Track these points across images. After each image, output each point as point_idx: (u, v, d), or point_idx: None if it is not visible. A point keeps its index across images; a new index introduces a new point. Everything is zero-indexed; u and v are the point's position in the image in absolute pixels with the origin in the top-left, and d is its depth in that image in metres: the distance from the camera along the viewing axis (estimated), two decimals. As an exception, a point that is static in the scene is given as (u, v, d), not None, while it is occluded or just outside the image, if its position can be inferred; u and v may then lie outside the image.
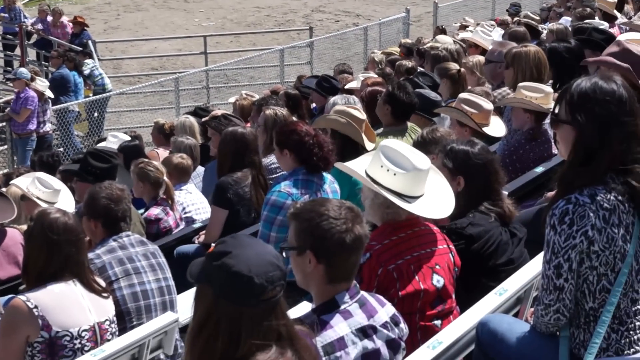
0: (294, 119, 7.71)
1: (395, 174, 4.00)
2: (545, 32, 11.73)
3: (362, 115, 6.53)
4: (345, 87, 10.62)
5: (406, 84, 7.59)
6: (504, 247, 4.50)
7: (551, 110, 6.06)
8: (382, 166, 4.02)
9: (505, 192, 5.46)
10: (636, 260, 3.38)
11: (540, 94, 6.33)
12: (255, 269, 2.69)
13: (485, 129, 6.19)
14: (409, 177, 4.00)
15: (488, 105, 6.27)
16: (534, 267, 4.19)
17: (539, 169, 6.04)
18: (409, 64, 11.43)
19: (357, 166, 4.23)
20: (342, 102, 7.80)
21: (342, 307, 3.33)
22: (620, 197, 3.31)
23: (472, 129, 6.28)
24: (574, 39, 8.58)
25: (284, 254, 3.38)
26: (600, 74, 3.45)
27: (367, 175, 4.11)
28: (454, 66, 8.92)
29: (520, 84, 6.66)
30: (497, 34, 12.96)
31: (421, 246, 4.07)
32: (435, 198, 4.14)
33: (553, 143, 6.31)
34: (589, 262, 3.32)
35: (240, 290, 2.68)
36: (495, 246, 4.46)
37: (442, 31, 17.35)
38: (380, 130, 7.40)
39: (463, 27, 16.20)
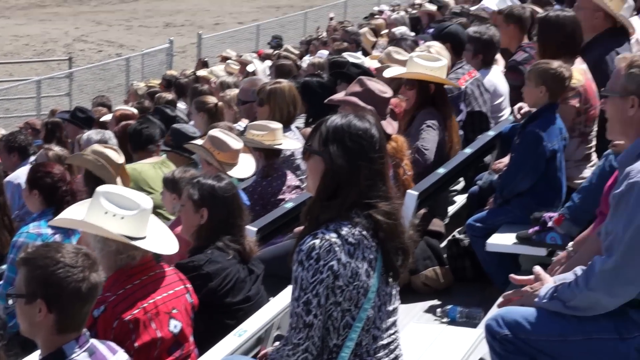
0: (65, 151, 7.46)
1: (123, 217, 3.92)
2: (305, 65, 11.94)
3: (120, 158, 6.36)
4: (100, 119, 10.38)
5: (150, 117, 7.53)
6: (241, 285, 4.54)
7: (279, 145, 6.16)
8: (106, 212, 3.92)
9: (254, 229, 5.48)
10: (379, 296, 3.42)
11: (265, 131, 6.44)
12: None
13: (232, 170, 6.14)
14: (136, 218, 3.93)
15: (237, 144, 6.24)
16: (274, 306, 4.19)
17: (289, 205, 6.07)
18: (168, 96, 11.34)
19: (75, 217, 4.11)
20: (96, 137, 7.60)
21: (70, 357, 3.17)
22: (364, 232, 3.35)
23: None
24: (327, 74, 8.77)
25: (9, 302, 3.17)
26: (354, 112, 3.52)
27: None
28: (211, 100, 8.92)
29: (249, 124, 6.73)
30: (261, 66, 13.09)
31: (157, 291, 4.00)
32: (159, 236, 4.10)
33: (290, 177, 6.40)
34: (334, 297, 3.32)
35: None
36: (233, 284, 4.48)
37: (204, 63, 17.38)
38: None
39: (224, 59, 16.26)
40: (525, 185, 5.72)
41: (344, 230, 3.32)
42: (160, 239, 4.07)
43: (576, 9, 6.56)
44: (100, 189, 4.04)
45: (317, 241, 3.29)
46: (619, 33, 6.53)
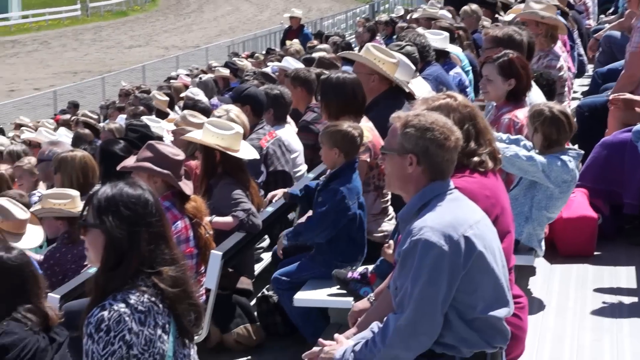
0: None
1: None
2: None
3: None
4: None
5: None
6: (42, 355, 4.39)
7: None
8: None
9: (57, 296, 5.34)
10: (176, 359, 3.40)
11: (67, 200, 6.36)
12: None
13: (19, 241, 5.96)
14: None
15: (22, 214, 6.09)
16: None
17: (93, 270, 5.92)
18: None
19: None
20: None
21: None
22: (153, 299, 3.33)
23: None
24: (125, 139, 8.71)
25: None
26: (126, 180, 3.48)
27: None
28: (2, 168, 8.84)
29: (46, 193, 6.66)
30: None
31: None
32: None
33: None
34: None
35: None
36: (32, 354, 4.34)
37: (0, 131, 16.90)
38: None
39: (18, 126, 15.88)
40: (321, 239, 5.85)
41: (132, 299, 3.29)
42: None
43: (355, 73, 6.85)
44: None
45: (105, 313, 3.25)
46: (397, 94, 6.84)
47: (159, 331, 3.32)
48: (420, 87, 7.66)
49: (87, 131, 10.68)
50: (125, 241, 3.32)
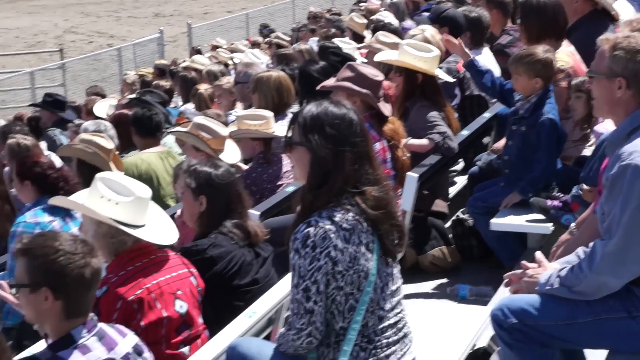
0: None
1: (117, 203, 3.94)
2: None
3: (110, 144, 6.43)
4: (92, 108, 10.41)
5: (144, 104, 7.63)
6: (248, 268, 4.54)
7: (274, 133, 6.18)
8: (102, 197, 3.95)
9: (257, 213, 5.50)
10: (380, 278, 3.45)
11: (263, 121, 6.45)
12: None
13: (221, 155, 6.16)
14: (131, 205, 3.95)
15: (223, 131, 6.27)
16: (282, 287, 4.19)
17: (290, 188, 6.08)
18: (166, 84, 11.30)
19: (75, 200, 4.18)
20: (92, 127, 7.63)
21: (80, 342, 3.18)
22: (357, 217, 3.38)
23: (207, 154, 6.25)
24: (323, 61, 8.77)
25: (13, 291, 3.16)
26: (330, 99, 3.52)
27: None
28: (202, 87, 9.08)
29: (241, 114, 6.78)
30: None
31: (160, 273, 4.01)
32: (158, 225, 4.11)
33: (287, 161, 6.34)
34: (335, 282, 3.36)
35: None
36: (238, 267, 4.49)
37: (197, 52, 17.34)
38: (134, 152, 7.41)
39: (214, 48, 16.24)
40: (554, 168, 5.76)
41: (337, 217, 3.36)
42: (159, 229, 4.08)
43: None
44: (100, 175, 4.08)
45: (311, 229, 3.33)
46: (602, 15, 6.56)
47: (363, 249, 3.38)
48: (623, 8, 7.34)
49: (289, 51, 10.79)
50: (330, 160, 3.38)
